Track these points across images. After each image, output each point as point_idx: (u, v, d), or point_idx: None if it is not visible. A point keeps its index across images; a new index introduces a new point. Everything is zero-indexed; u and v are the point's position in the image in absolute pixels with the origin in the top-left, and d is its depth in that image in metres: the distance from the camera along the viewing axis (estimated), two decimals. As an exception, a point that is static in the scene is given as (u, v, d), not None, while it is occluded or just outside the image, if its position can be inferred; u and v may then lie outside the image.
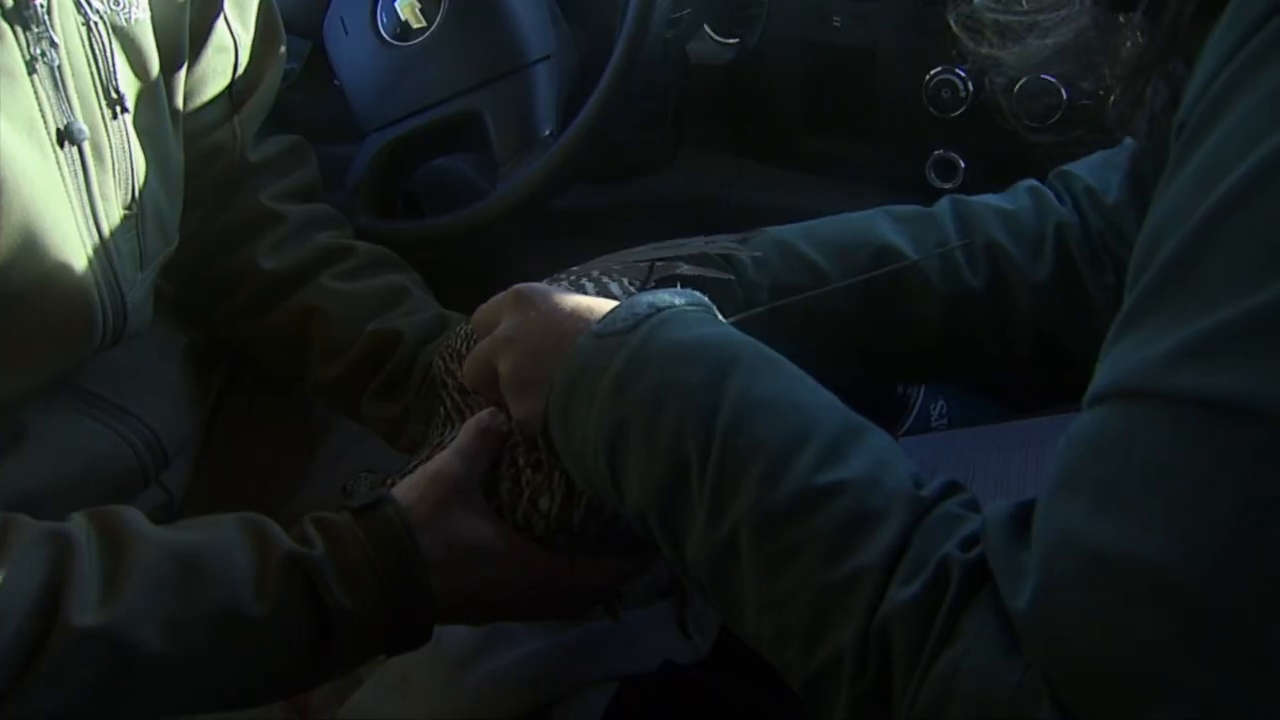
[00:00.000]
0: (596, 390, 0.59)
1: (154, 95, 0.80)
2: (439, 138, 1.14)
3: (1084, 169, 0.80)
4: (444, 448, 0.73)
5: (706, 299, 0.65)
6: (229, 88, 0.90)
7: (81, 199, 0.73)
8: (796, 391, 0.56)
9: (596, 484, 0.61)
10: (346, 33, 1.15)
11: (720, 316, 0.64)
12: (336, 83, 1.19)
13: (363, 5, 1.14)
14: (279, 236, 0.94)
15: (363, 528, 0.66)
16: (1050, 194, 0.79)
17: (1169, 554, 0.38)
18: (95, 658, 0.59)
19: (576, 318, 0.64)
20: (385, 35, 1.13)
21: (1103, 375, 0.43)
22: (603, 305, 0.64)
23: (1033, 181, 0.80)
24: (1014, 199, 0.80)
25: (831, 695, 0.48)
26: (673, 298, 0.62)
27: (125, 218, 0.77)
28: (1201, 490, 0.38)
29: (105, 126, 0.74)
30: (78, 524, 0.63)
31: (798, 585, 0.49)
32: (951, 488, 0.51)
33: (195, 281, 0.94)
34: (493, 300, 0.71)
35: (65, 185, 0.72)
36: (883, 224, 0.77)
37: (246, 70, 0.91)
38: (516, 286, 0.69)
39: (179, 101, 0.85)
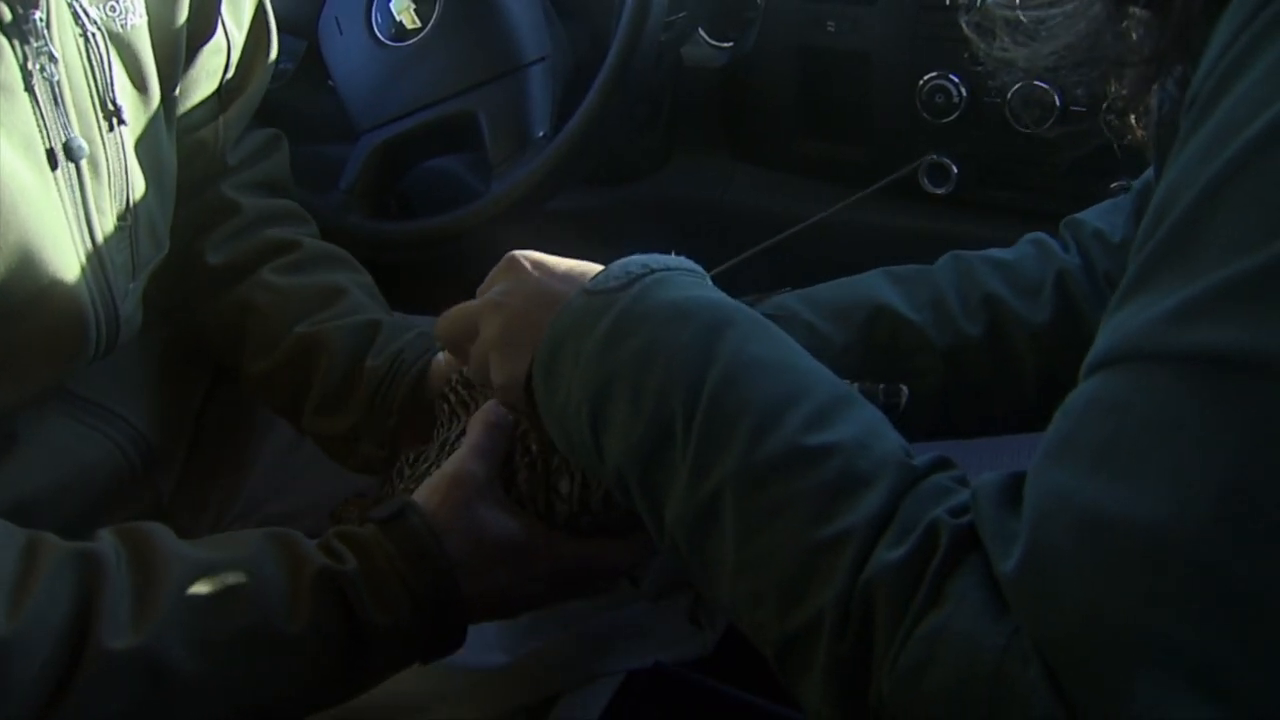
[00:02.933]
0: (583, 347, 0.58)
1: (150, 103, 0.80)
2: (433, 138, 1.14)
3: (1091, 215, 0.81)
4: (450, 443, 0.72)
5: (699, 266, 0.64)
6: (219, 88, 0.90)
7: (78, 213, 0.72)
8: (789, 356, 0.55)
9: (576, 445, 0.60)
10: (341, 32, 1.15)
11: (711, 283, 0.64)
12: (331, 82, 1.19)
13: (358, 5, 1.14)
14: (231, 229, 0.92)
15: (390, 540, 0.65)
16: (1054, 244, 0.81)
17: (1164, 513, 0.37)
18: (128, 680, 0.58)
19: (569, 280, 0.63)
20: (380, 35, 1.13)
21: (1101, 342, 0.43)
22: (596, 269, 0.63)
23: (1038, 235, 0.82)
24: (1016, 251, 0.81)
25: (807, 659, 0.47)
26: (666, 260, 0.61)
27: (119, 229, 0.76)
28: (1200, 446, 0.38)
29: (102, 139, 0.74)
30: (106, 543, 0.62)
31: (779, 544, 0.49)
32: (942, 462, 0.51)
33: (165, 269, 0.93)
34: (492, 271, 0.70)
35: (62, 201, 0.71)
36: (880, 284, 0.79)
37: (237, 70, 0.91)
38: (511, 252, 0.68)
39: (175, 106, 0.84)
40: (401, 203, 1.21)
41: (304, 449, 0.96)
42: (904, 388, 0.68)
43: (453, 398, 0.77)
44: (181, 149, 0.87)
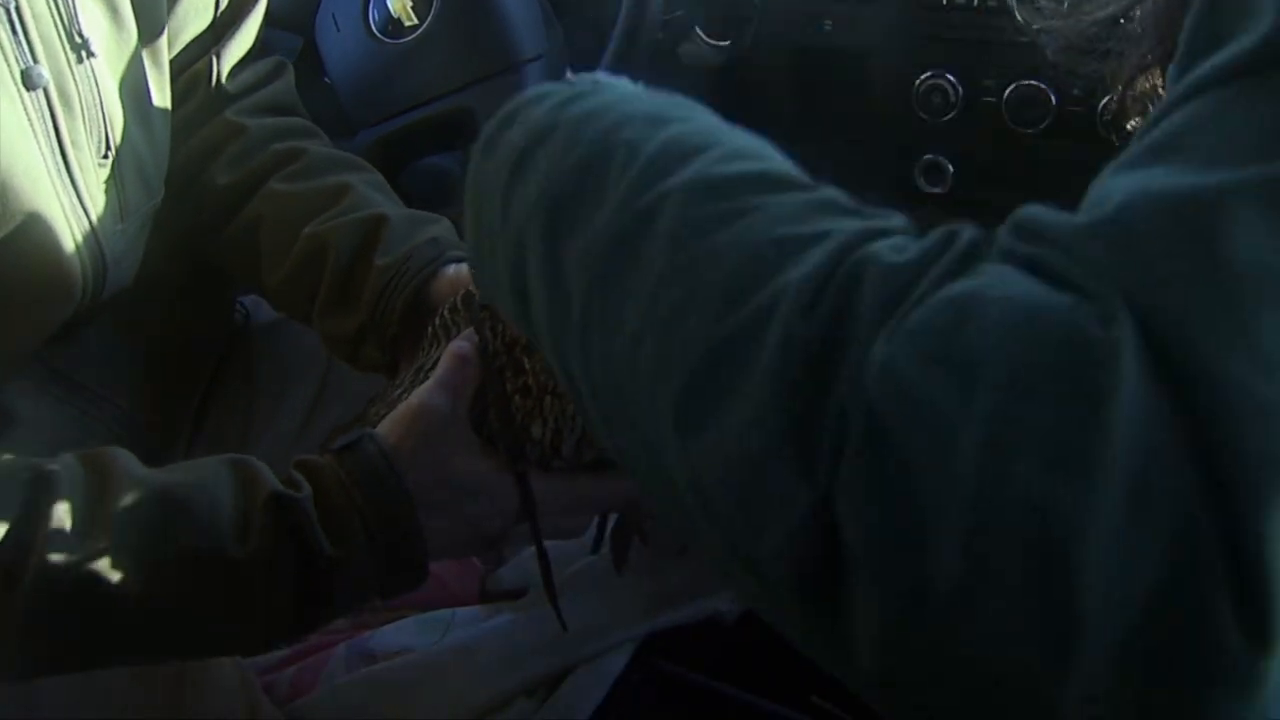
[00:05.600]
0: (536, 110, 0.47)
1: (127, 39, 0.79)
2: (430, 135, 1.14)
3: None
4: (425, 370, 0.70)
5: None
6: (212, 23, 0.89)
7: (51, 145, 0.72)
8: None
9: (484, 216, 0.48)
10: (338, 29, 1.15)
11: None
12: (327, 79, 1.19)
13: (354, 1, 1.14)
14: (238, 150, 0.91)
15: (344, 469, 0.64)
16: None
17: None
18: (71, 597, 0.58)
19: None
20: (377, 32, 1.13)
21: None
22: None
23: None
24: None
25: (744, 362, 0.34)
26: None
27: (100, 165, 0.76)
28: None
29: (71, 71, 0.73)
30: (65, 463, 0.62)
31: (733, 242, 0.36)
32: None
33: (172, 218, 0.91)
34: None
35: (34, 132, 0.71)
36: None
37: (229, 4, 0.90)
38: None
39: (162, 48, 0.83)
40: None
41: (305, 444, 0.95)
42: None
43: (437, 322, 0.75)
44: (177, 85, 0.87)
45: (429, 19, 1.10)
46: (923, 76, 1.12)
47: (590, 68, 1.04)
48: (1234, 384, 0.29)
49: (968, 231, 0.36)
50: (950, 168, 1.14)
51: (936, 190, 1.16)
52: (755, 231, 0.37)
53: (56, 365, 0.82)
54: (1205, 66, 0.35)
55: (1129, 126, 0.60)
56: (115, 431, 0.85)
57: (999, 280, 0.32)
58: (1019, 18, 0.60)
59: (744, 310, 0.35)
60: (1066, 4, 0.57)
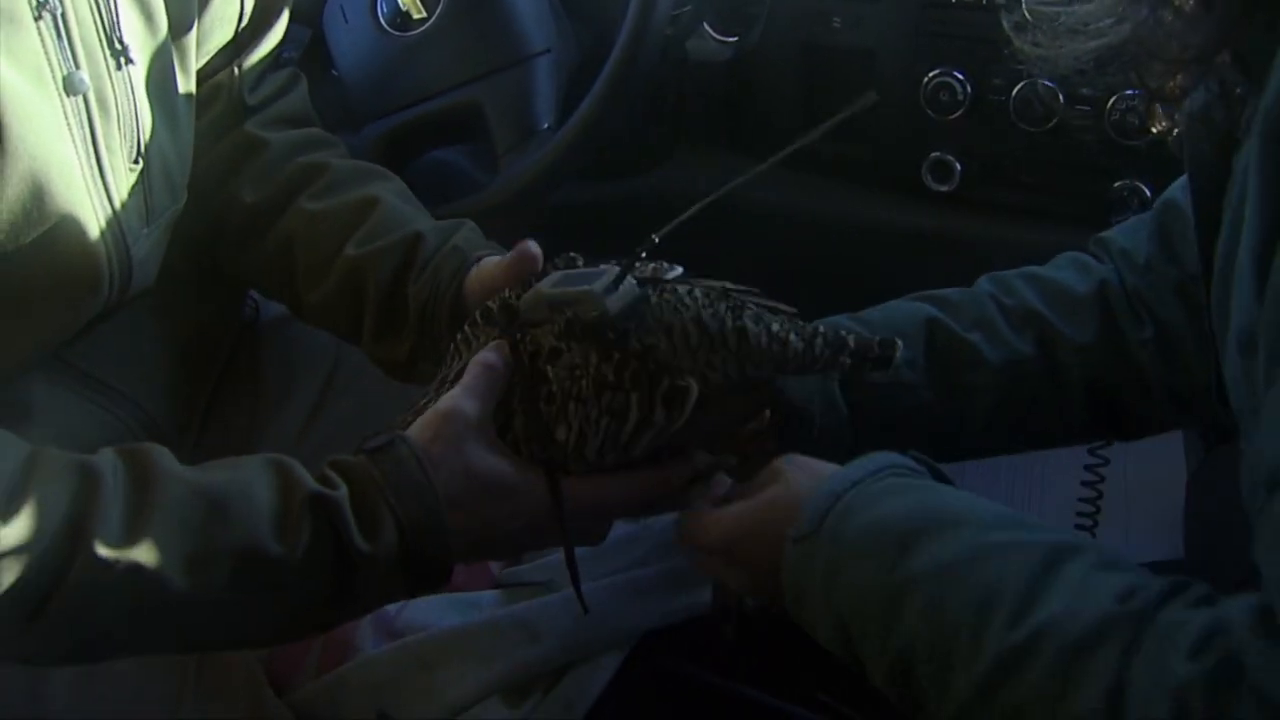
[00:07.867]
0: (811, 599, 0.62)
1: (162, 49, 0.80)
2: (437, 128, 1.14)
3: (1116, 233, 0.82)
4: (449, 381, 0.73)
5: (896, 458, 0.66)
6: (235, 34, 0.90)
7: (87, 149, 0.73)
8: (980, 544, 0.57)
9: (849, 613, 0.63)
10: (346, 21, 1.15)
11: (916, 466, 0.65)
12: (335, 72, 1.19)
13: (363, -5, 1.14)
14: (262, 165, 0.92)
15: (379, 469, 0.66)
16: (1092, 261, 0.82)
17: None
18: (118, 589, 0.59)
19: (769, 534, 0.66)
20: (385, 25, 1.13)
21: (1266, 460, 0.46)
22: (793, 499, 0.65)
23: (1074, 253, 0.82)
24: (1054, 267, 0.82)
25: None
26: (850, 474, 0.64)
27: (131, 170, 0.77)
28: None
29: (110, 77, 0.74)
30: (106, 457, 0.63)
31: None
32: (1173, 589, 0.52)
33: (192, 224, 0.92)
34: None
35: (72, 136, 0.72)
36: (925, 305, 0.80)
37: (253, 15, 0.91)
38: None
39: (190, 55, 0.85)
40: (404, 193, 1.21)
41: (311, 439, 0.96)
42: (898, 341, 0.69)
43: (459, 337, 0.77)
44: (199, 94, 0.88)
45: (437, 13, 1.10)
46: (930, 74, 1.12)
47: (598, 65, 1.04)
48: None
49: (1198, 690, 0.47)
50: (958, 165, 1.14)
51: (944, 188, 1.15)
52: None
53: (72, 359, 0.83)
54: None
55: (1154, 130, 0.61)
56: (128, 424, 0.86)
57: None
58: (1016, 45, 0.61)
59: None
60: (1063, 33, 0.58)
